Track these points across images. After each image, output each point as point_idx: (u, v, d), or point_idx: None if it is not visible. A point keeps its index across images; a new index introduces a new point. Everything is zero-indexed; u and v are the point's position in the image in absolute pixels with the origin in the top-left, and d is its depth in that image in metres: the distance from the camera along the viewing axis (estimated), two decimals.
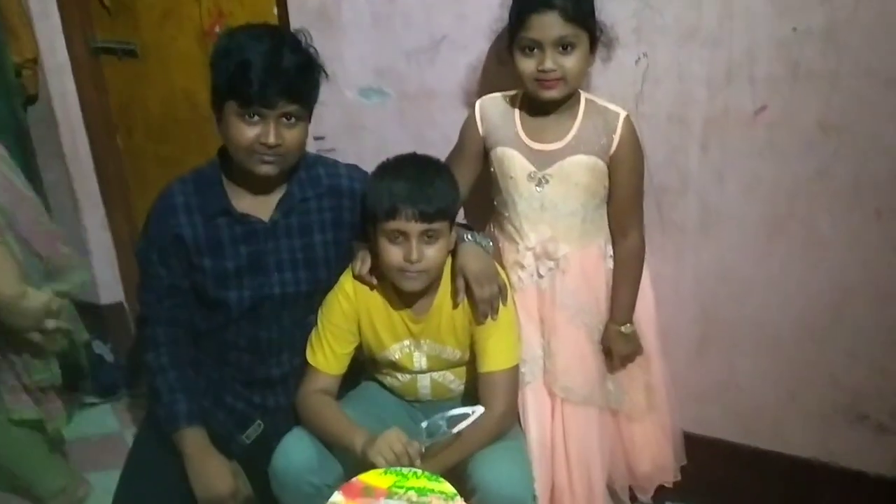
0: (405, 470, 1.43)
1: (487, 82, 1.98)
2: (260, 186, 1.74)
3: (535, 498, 1.76)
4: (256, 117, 1.60)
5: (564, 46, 1.65)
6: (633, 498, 2.10)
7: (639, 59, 1.83)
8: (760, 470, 2.13)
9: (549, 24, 1.63)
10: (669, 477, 2.06)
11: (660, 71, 1.83)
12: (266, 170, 1.66)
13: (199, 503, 1.72)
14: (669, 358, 2.01)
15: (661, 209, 1.94)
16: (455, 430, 1.58)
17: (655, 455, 2.03)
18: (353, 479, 1.42)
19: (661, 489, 2.14)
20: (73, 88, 2.71)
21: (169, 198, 1.74)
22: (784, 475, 2.10)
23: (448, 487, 1.39)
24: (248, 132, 1.61)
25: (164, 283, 1.76)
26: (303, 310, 1.83)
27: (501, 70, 1.89)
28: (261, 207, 1.76)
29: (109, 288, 2.99)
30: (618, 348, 1.88)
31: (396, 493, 1.36)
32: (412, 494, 1.34)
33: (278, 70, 1.58)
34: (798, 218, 1.83)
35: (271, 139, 1.61)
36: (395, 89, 2.14)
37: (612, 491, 2.03)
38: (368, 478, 1.40)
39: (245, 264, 1.75)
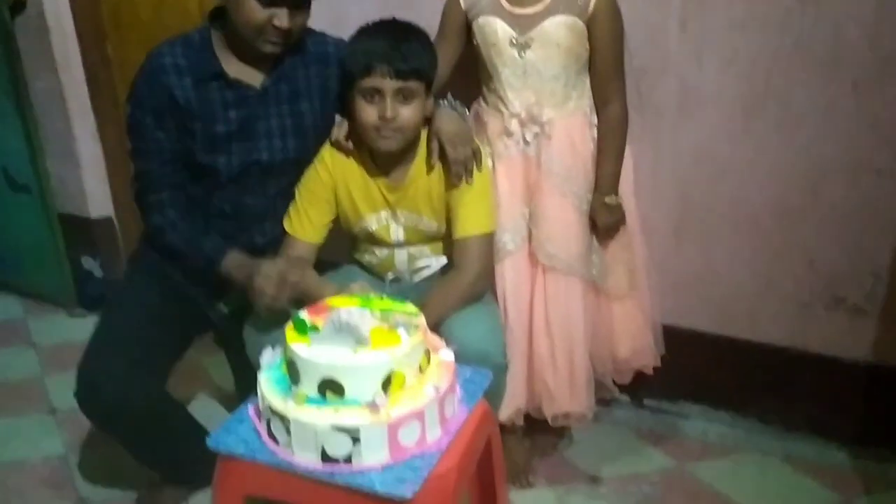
0: (371, 295, 1.44)
1: None
2: (258, 60, 1.75)
3: (506, 360, 1.78)
4: (270, 8, 1.62)
5: None
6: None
7: None
8: (737, 360, 2.15)
9: None
10: (649, 361, 2.08)
11: None
12: (271, 49, 1.69)
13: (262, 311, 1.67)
14: (648, 245, 2.03)
15: (641, 92, 1.95)
16: (417, 278, 1.59)
17: (635, 337, 2.05)
18: (320, 303, 1.43)
19: (639, 384, 2.17)
20: None
21: (158, 58, 1.72)
22: (760, 364, 2.12)
23: (411, 307, 1.41)
24: (261, 14, 1.63)
25: (164, 148, 1.73)
26: (288, 179, 1.84)
27: None
28: (250, 74, 1.77)
29: (99, 202, 2.99)
30: (603, 219, 1.89)
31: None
32: (375, 311, 1.35)
33: None
34: (775, 94, 1.85)
35: (285, 23, 1.64)
36: None
37: (596, 381, 2.04)
38: (334, 301, 1.42)
39: (235, 129, 1.76)
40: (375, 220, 1.85)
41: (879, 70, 1.75)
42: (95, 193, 2.97)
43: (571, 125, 1.86)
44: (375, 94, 1.67)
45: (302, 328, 1.32)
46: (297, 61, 1.79)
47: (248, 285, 1.62)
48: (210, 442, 1.34)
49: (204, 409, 2.26)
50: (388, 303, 1.41)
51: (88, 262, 3.06)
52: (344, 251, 1.99)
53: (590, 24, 1.77)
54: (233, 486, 1.34)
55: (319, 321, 1.33)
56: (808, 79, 1.80)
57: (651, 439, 2.22)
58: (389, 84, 1.65)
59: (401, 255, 1.90)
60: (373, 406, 1.25)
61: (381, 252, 1.91)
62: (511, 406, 1.95)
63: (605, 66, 1.83)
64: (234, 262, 1.69)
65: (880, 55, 1.74)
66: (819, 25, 1.75)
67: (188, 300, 1.84)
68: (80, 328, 2.72)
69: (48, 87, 2.81)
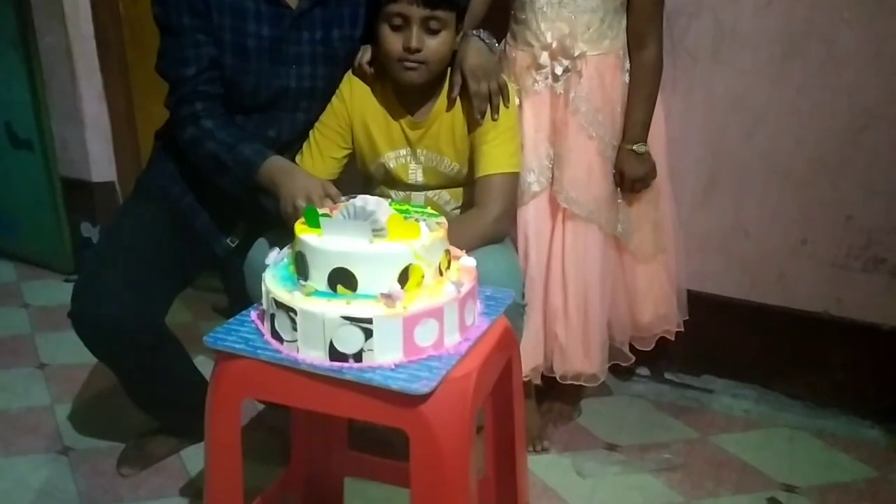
0: (389, 200, 1.33)
1: None
2: None
3: (525, 301, 1.67)
4: None
5: None
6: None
7: None
8: (766, 329, 2.04)
9: None
10: (672, 326, 1.97)
11: None
12: None
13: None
14: (676, 201, 1.93)
15: (673, 35, 1.87)
16: None
17: (658, 301, 1.95)
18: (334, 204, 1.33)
19: (660, 356, 2.05)
20: None
21: None
22: (791, 333, 2.01)
23: (431, 210, 1.30)
24: None
25: (201, 53, 1.59)
26: (315, 111, 1.75)
27: None
28: None
29: (102, 165, 2.90)
30: (630, 170, 1.80)
31: None
32: (394, 210, 1.24)
33: None
34: (817, 34, 1.76)
35: None
36: None
37: (613, 348, 1.94)
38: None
39: (266, 49, 1.65)
40: (394, 158, 1.74)
41: None
42: (98, 156, 2.88)
43: (603, 64, 1.77)
44: (402, 21, 1.57)
45: (314, 219, 1.21)
46: None
47: (285, 188, 1.46)
48: (207, 340, 1.22)
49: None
50: (406, 205, 1.30)
51: (87, 229, 2.96)
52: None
53: None
54: (230, 388, 1.22)
55: (333, 213, 1.22)
56: (853, 16, 1.72)
57: (672, 412, 2.11)
58: (417, 12, 1.55)
59: (418, 199, 1.79)
60: (388, 298, 1.13)
61: (396, 195, 1.80)
62: (528, 363, 1.84)
63: (645, 4, 1.75)
64: (276, 163, 1.53)
65: None
66: None
67: (193, 229, 1.74)
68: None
69: (56, 43, 2.74)
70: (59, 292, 2.76)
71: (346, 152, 1.76)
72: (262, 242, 1.66)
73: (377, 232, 1.17)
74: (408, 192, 1.79)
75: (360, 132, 1.74)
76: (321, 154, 1.73)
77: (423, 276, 1.18)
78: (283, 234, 1.50)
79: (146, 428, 1.90)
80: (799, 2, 1.76)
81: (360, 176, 1.84)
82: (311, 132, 1.75)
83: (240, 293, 1.73)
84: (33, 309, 2.67)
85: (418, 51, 1.57)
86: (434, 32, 1.58)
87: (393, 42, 1.59)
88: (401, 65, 1.60)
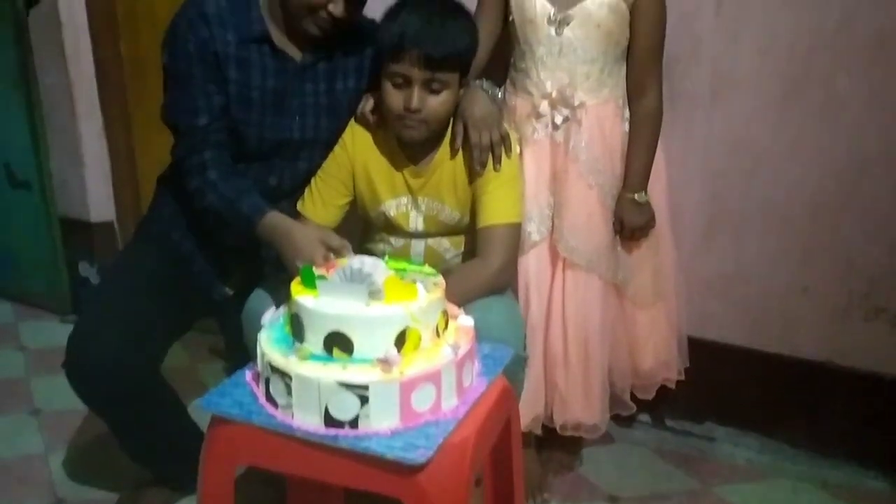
0: (386, 258, 1.32)
1: None
2: (299, 36, 1.65)
3: (526, 353, 1.65)
4: None
5: None
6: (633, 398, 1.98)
7: None
8: (768, 376, 2.01)
9: None
10: (673, 374, 1.96)
11: None
12: (315, 32, 1.60)
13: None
14: (676, 246, 1.92)
15: (671, 81, 1.86)
16: None
17: (659, 349, 1.93)
18: (331, 262, 1.32)
19: (661, 402, 2.03)
20: None
21: (201, 6, 1.58)
22: (794, 381, 1.98)
23: (428, 268, 1.29)
24: None
25: (212, 103, 1.59)
26: (320, 157, 1.74)
27: None
28: (291, 46, 1.67)
29: (101, 205, 2.89)
30: (630, 218, 1.80)
31: None
32: (390, 270, 1.23)
33: None
34: (815, 80, 1.76)
35: (340, 12, 1.56)
36: None
37: (614, 397, 1.92)
38: (344, 261, 1.30)
39: (270, 100, 1.66)
40: (395, 206, 1.73)
41: None
42: (97, 196, 2.88)
43: (603, 113, 1.77)
44: (403, 79, 1.56)
45: (310, 280, 1.19)
46: (336, 39, 1.69)
47: (284, 248, 1.47)
48: (201, 403, 1.20)
49: (198, 419, 2.12)
50: (403, 263, 1.29)
51: (85, 269, 2.95)
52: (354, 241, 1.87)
53: (633, 9, 1.70)
54: (224, 454, 1.20)
55: (329, 274, 1.20)
56: (852, 63, 1.72)
57: (674, 461, 2.07)
58: (419, 74, 1.54)
59: (418, 247, 1.78)
60: (384, 363, 1.12)
61: (397, 242, 1.79)
62: (528, 413, 1.82)
63: (644, 54, 1.75)
64: (273, 221, 1.53)
65: None
66: (864, 5, 1.67)
67: (191, 275, 1.74)
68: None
69: (57, 83, 2.75)
70: (55, 333, 2.73)
71: (348, 199, 1.75)
72: (259, 294, 1.65)
73: (374, 294, 1.16)
74: (408, 240, 1.78)
75: (362, 180, 1.73)
76: (323, 201, 1.73)
77: (420, 339, 1.17)
78: (279, 285, 1.49)
79: (140, 479, 1.87)
80: (796, 47, 1.76)
81: (360, 221, 1.83)
82: (313, 179, 1.74)
83: (237, 341, 1.71)
84: (29, 351, 2.64)
85: (419, 111, 1.57)
86: (436, 92, 1.57)
87: (394, 99, 1.58)
88: (401, 122, 1.60)
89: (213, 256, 1.75)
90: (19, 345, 2.69)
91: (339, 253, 1.38)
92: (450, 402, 1.18)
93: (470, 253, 1.76)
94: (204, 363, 2.52)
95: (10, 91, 2.69)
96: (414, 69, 1.53)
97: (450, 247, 1.79)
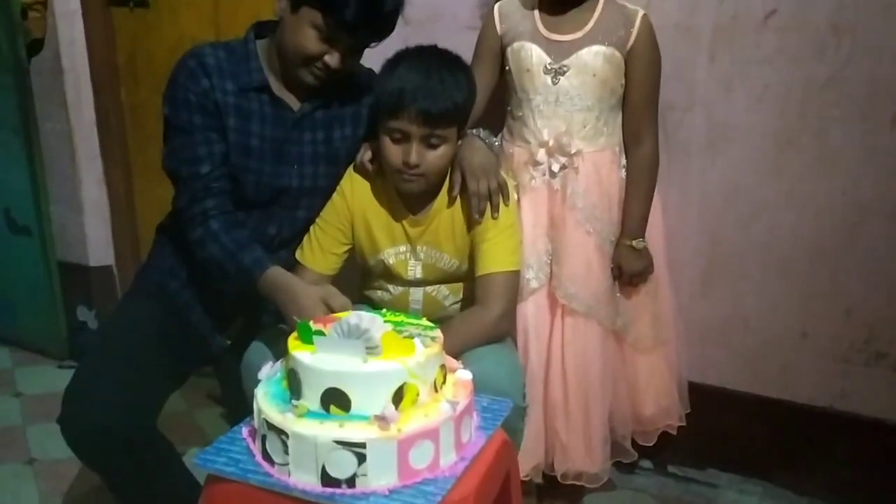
0: (384, 311, 1.32)
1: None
2: (296, 85, 1.67)
3: (525, 402, 1.64)
4: (326, 45, 1.56)
5: None
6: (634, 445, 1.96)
7: None
8: (770, 422, 2.00)
9: None
10: (674, 421, 1.95)
11: None
12: (312, 81, 1.62)
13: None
14: (675, 292, 1.92)
15: (667, 129, 1.88)
16: None
17: (660, 394, 1.93)
18: (328, 316, 1.31)
19: (663, 448, 2.01)
20: (82, 37, 2.70)
21: (200, 57, 1.60)
22: (796, 427, 1.97)
23: (426, 322, 1.29)
24: (315, 47, 1.56)
25: (214, 151, 1.60)
26: (319, 206, 1.75)
27: None
28: (288, 95, 1.69)
29: (100, 249, 2.90)
30: (628, 265, 1.80)
31: None
32: (388, 325, 1.23)
33: (375, 10, 1.54)
34: (809, 130, 1.78)
35: (336, 63, 1.58)
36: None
37: (615, 444, 1.91)
38: (342, 314, 1.29)
39: (268, 148, 1.67)
40: (394, 254, 1.74)
41: None
42: (96, 241, 2.89)
43: (600, 161, 1.79)
44: (402, 136, 1.57)
45: (307, 335, 1.19)
46: (333, 88, 1.70)
47: (284, 305, 1.47)
48: (197, 461, 1.19)
49: (195, 466, 2.10)
50: (401, 316, 1.29)
51: (83, 313, 2.94)
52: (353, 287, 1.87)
53: (628, 58, 1.73)
54: None
55: (327, 329, 1.20)
56: (844, 114, 1.73)
57: None
58: (417, 130, 1.55)
59: (416, 294, 1.78)
60: (381, 420, 1.11)
61: (395, 289, 1.79)
62: (529, 462, 1.81)
63: (640, 102, 1.78)
64: (274, 277, 1.52)
65: None
66: (855, 59, 1.70)
67: (189, 326, 1.73)
68: (69, 380, 2.59)
69: (58, 129, 2.77)
70: (52, 379, 2.71)
71: (347, 247, 1.75)
72: (257, 345, 1.64)
73: (371, 350, 1.15)
74: (406, 287, 1.78)
75: (361, 228, 1.73)
76: (322, 249, 1.73)
77: (417, 394, 1.17)
78: (278, 336, 1.49)
79: None
80: (790, 98, 1.78)
81: (358, 268, 1.83)
82: (311, 227, 1.75)
83: (235, 389, 1.70)
84: (25, 398, 2.62)
85: (417, 166, 1.58)
86: (434, 147, 1.58)
87: (393, 154, 1.59)
88: (400, 176, 1.61)
89: (211, 307, 1.75)
90: (15, 391, 2.67)
91: (340, 310, 1.38)
92: (448, 459, 1.17)
93: (469, 300, 1.75)
94: (201, 409, 2.50)
95: (11, 137, 2.70)
96: (413, 126, 1.54)
97: (448, 294, 1.79)
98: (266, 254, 1.56)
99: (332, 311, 1.38)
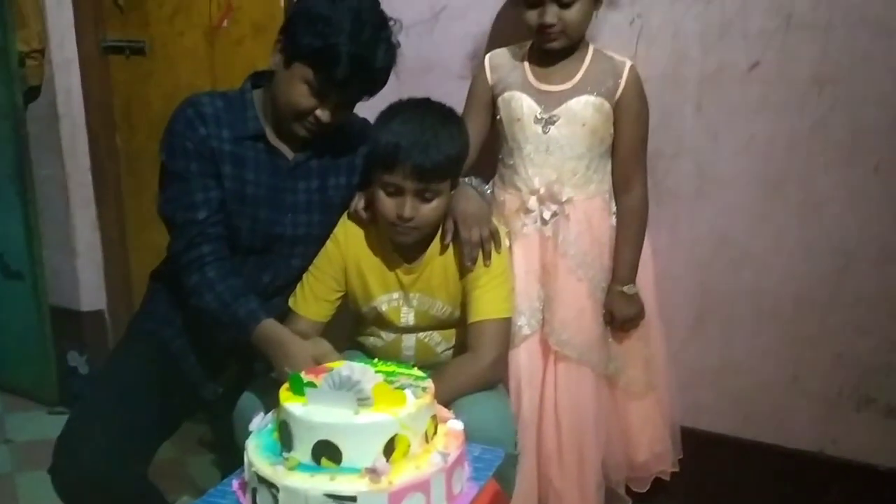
0: (375, 361, 1.33)
1: (486, 50, 1.99)
2: (290, 136, 1.70)
3: (517, 450, 1.64)
4: (317, 100, 1.59)
5: (563, 2, 1.68)
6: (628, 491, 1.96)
7: (633, 20, 1.87)
8: (762, 467, 1.99)
9: None
10: (667, 466, 1.95)
11: (654, 30, 1.86)
12: (304, 134, 1.65)
13: None
14: (666, 336, 1.93)
15: (656, 176, 1.91)
16: None
17: (653, 440, 1.93)
18: (320, 366, 1.32)
19: (655, 494, 2.01)
20: (78, 85, 2.73)
21: (198, 106, 1.63)
22: (788, 472, 1.97)
23: (418, 372, 1.29)
24: (307, 102, 1.59)
25: (211, 197, 1.62)
26: (313, 254, 1.76)
27: (498, 35, 1.95)
28: (283, 144, 1.72)
29: (92, 294, 2.90)
30: (620, 310, 1.82)
31: None
32: (379, 375, 1.23)
33: (366, 67, 1.56)
34: (795, 176, 1.81)
35: (327, 118, 1.61)
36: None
37: (609, 490, 1.90)
38: (334, 365, 1.30)
39: (263, 195, 1.69)
40: (386, 301, 1.75)
41: None
42: (89, 285, 2.89)
43: (590, 208, 1.81)
44: (396, 190, 1.59)
45: (298, 387, 1.20)
46: (328, 138, 1.72)
47: (277, 361, 1.49)
48: None
49: None
50: (392, 366, 1.30)
51: (74, 358, 2.92)
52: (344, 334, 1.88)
53: (616, 108, 1.76)
54: None
55: (318, 380, 1.21)
56: (829, 162, 1.77)
57: None
58: (411, 185, 1.57)
59: (409, 341, 1.79)
60: (372, 472, 1.11)
61: (388, 336, 1.80)
62: None
63: (629, 151, 1.81)
64: (267, 331, 1.53)
65: None
66: (837, 108, 1.74)
67: (182, 374, 1.73)
68: (59, 426, 2.53)
69: (52, 175, 2.79)
70: (42, 425, 2.69)
71: (340, 294, 1.76)
72: (249, 395, 1.64)
73: (362, 402, 1.16)
74: (399, 334, 1.78)
75: (354, 276, 1.74)
76: (315, 297, 1.74)
77: (409, 446, 1.17)
78: (269, 386, 1.49)
79: None
80: (775, 146, 1.81)
81: (351, 314, 1.83)
82: (305, 274, 1.76)
83: (227, 435, 1.70)
84: (15, 445, 2.60)
85: (411, 219, 1.59)
86: (428, 200, 1.60)
87: (387, 207, 1.60)
88: (394, 227, 1.62)
89: (204, 354, 1.75)
90: (5, 437, 2.65)
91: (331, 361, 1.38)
92: None
93: (461, 346, 1.76)
94: (192, 455, 2.48)
95: (6, 183, 2.72)
96: (407, 181, 1.56)
97: (441, 340, 1.80)
98: (260, 305, 1.57)
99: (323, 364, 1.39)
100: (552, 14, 1.68)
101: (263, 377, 1.65)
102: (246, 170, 1.67)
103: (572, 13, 1.69)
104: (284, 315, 1.73)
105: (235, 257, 1.69)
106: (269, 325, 1.52)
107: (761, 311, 1.91)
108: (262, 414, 1.30)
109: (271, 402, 1.33)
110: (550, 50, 1.75)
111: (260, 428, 1.26)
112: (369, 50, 1.55)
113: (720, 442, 2.02)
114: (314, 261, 1.75)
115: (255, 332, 1.51)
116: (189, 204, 1.62)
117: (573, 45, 1.76)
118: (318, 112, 1.59)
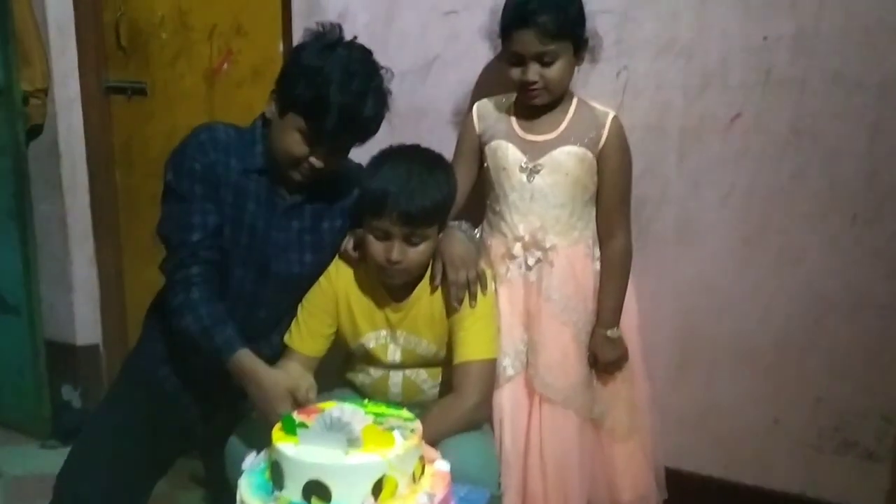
0: (365, 402, 1.37)
1: (476, 97, 2.05)
2: (286, 179, 1.75)
3: (501, 491, 1.67)
4: (310, 148, 1.64)
5: (544, 61, 1.75)
6: None
7: (619, 71, 1.93)
8: None
9: (528, 41, 1.73)
10: None
11: (639, 82, 1.92)
12: (299, 179, 1.70)
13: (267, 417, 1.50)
14: (650, 379, 1.97)
15: (640, 222, 1.96)
16: None
17: (637, 482, 1.95)
18: (310, 406, 1.36)
19: None
20: (80, 124, 2.79)
21: (213, 132, 1.69)
22: None
23: (406, 413, 1.33)
24: (300, 149, 1.64)
25: (208, 220, 1.66)
26: (301, 294, 1.81)
27: (489, 83, 2.01)
28: (281, 187, 1.77)
29: (87, 328, 2.93)
30: (604, 353, 1.86)
31: None
32: (369, 416, 1.27)
33: (355, 117, 1.62)
34: (774, 225, 1.86)
35: (320, 165, 1.66)
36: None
37: None
38: (325, 405, 1.34)
39: (260, 227, 1.73)
40: (374, 338, 1.80)
41: (878, 203, 1.77)
42: (84, 319, 2.91)
43: (574, 254, 1.86)
44: (384, 234, 1.65)
45: (290, 427, 1.23)
46: (323, 183, 1.78)
47: (252, 393, 1.53)
48: None
49: None
50: (382, 407, 1.34)
51: (68, 392, 2.94)
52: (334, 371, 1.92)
53: (599, 158, 1.81)
54: None
55: (310, 421, 1.25)
56: (807, 212, 1.83)
57: None
58: (399, 230, 1.63)
59: (396, 378, 1.83)
60: None
61: (375, 373, 1.84)
62: None
63: (612, 199, 1.86)
64: (242, 362, 1.56)
65: (879, 189, 1.77)
66: (815, 159, 1.80)
67: (176, 413, 1.76)
68: (52, 460, 2.54)
69: (52, 211, 2.83)
70: (35, 459, 2.70)
71: (334, 329, 1.81)
72: (241, 434, 1.67)
73: (352, 443, 1.20)
74: (386, 371, 1.83)
75: (344, 313, 1.79)
76: (309, 332, 1.78)
77: (396, 486, 1.21)
78: (261, 424, 1.51)
79: None
80: (754, 197, 1.87)
81: (340, 353, 1.87)
82: (299, 309, 1.80)
83: (219, 472, 1.72)
84: (6, 480, 2.60)
85: (399, 262, 1.64)
86: (416, 244, 1.66)
87: (376, 250, 1.66)
88: (383, 271, 1.68)
89: (199, 393, 1.79)
90: None
91: (305, 402, 1.43)
92: None
93: (447, 384, 1.80)
94: (184, 491, 2.49)
95: (5, 218, 2.75)
96: (395, 227, 1.62)
97: (427, 378, 1.84)
98: (238, 333, 1.59)
99: (297, 401, 1.44)
100: (534, 72, 1.75)
101: (255, 417, 1.68)
102: (247, 201, 1.72)
103: (553, 71, 1.75)
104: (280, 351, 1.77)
105: (230, 294, 1.73)
106: (244, 357, 1.56)
107: (742, 355, 1.95)
108: (254, 453, 1.33)
109: (262, 442, 1.37)
110: (532, 105, 1.81)
111: (252, 467, 1.29)
112: (359, 99, 1.61)
113: (704, 484, 2.05)
114: (308, 296, 1.80)
115: (229, 362, 1.55)
116: (186, 224, 1.66)
117: (555, 99, 1.82)
118: (312, 159, 1.65)
